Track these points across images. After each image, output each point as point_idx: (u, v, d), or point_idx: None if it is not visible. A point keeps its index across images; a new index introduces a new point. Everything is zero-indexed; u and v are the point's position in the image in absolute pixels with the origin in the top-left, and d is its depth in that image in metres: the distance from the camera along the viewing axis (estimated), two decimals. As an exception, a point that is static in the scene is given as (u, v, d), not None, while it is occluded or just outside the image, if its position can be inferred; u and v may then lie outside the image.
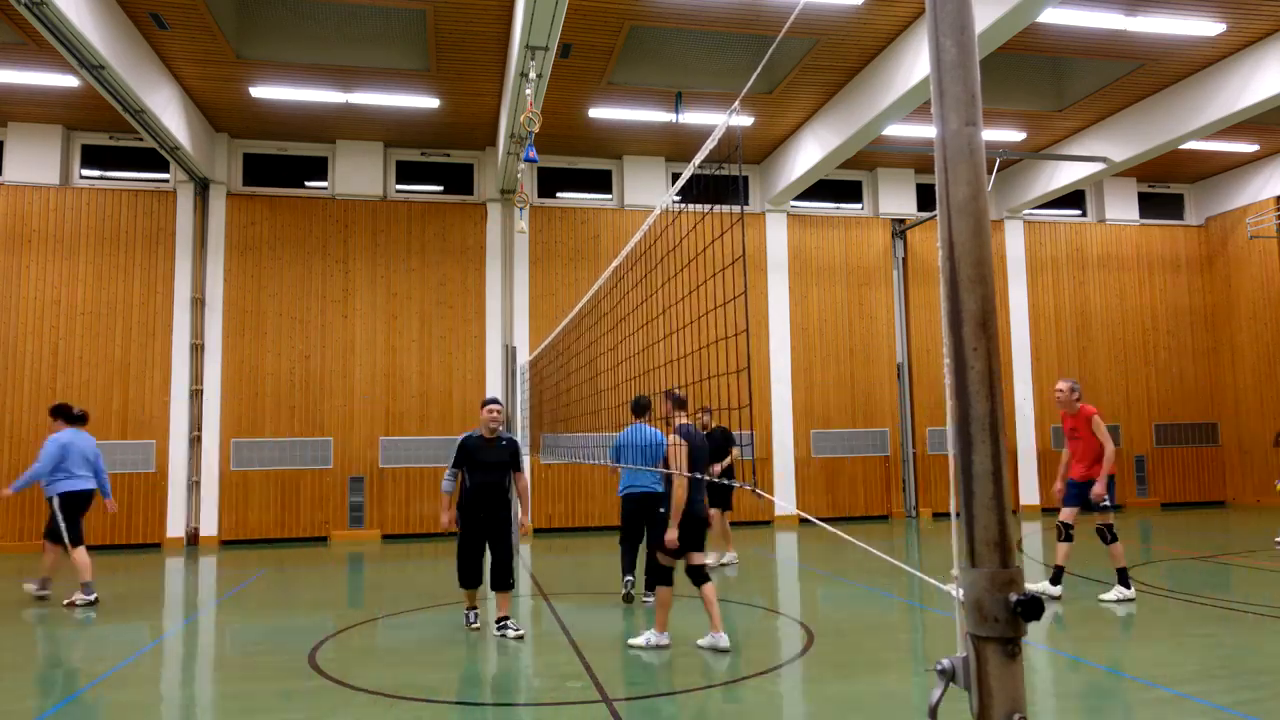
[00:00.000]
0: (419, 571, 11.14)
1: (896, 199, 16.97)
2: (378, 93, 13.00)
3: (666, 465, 6.89)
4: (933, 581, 2.23)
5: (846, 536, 3.08)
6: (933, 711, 1.61)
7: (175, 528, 13.90)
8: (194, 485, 14.11)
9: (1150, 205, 18.41)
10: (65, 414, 9.19)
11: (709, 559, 10.17)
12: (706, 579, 6.59)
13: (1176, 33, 11.42)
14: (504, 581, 7.22)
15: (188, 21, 10.95)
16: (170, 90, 12.36)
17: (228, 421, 14.27)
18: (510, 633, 7.13)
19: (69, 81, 12.18)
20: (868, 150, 14.66)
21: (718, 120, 5.53)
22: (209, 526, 14.03)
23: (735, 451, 10.66)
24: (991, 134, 14.82)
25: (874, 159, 16.44)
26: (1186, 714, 4.98)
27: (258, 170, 15.07)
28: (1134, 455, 17.49)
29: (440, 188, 15.67)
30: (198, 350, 14.31)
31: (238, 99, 13.27)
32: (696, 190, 5.37)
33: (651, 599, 8.07)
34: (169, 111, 12.24)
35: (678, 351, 5.80)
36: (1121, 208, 18.03)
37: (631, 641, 6.78)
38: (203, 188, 14.60)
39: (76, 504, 8.99)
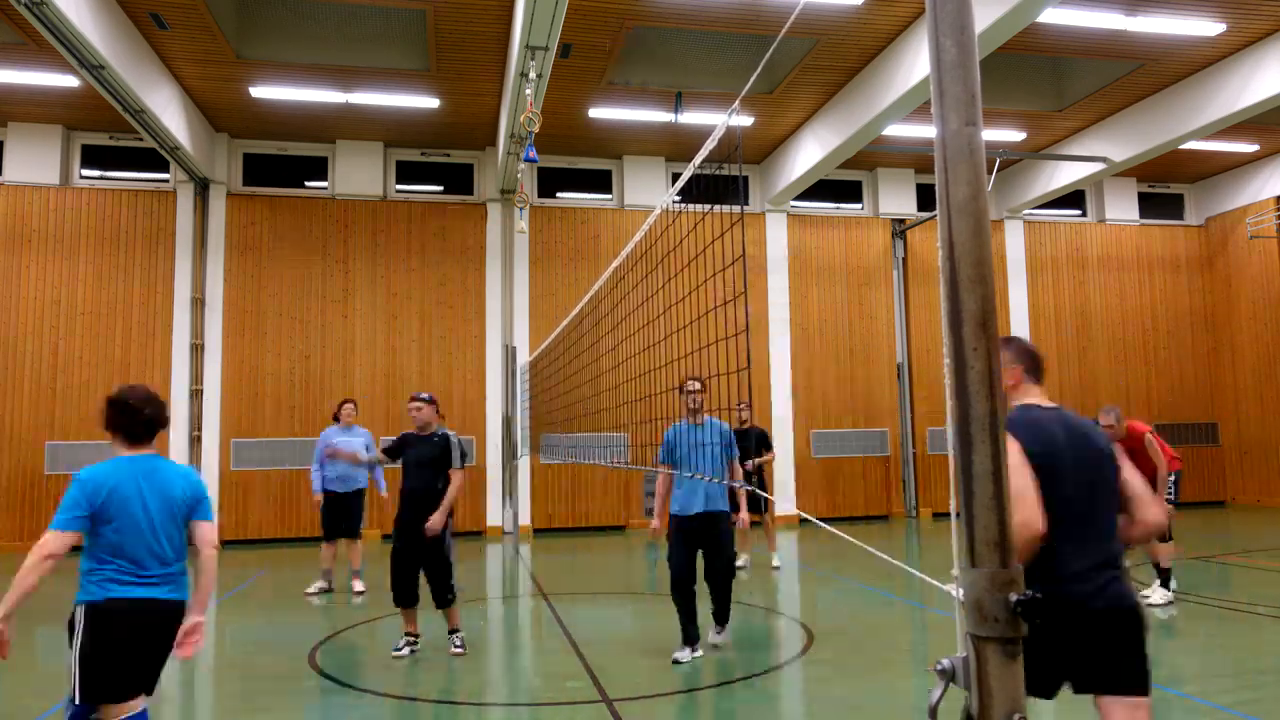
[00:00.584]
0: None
1: (896, 199, 16.98)
2: (378, 93, 13.00)
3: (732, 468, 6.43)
4: (933, 581, 2.23)
5: (847, 536, 3.08)
6: (933, 711, 1.61)
7: (175, 528, 13.88)
8: (194, 485, 14.09)
9: (1150, 205, 18.41)
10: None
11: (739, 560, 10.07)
12: None
13: (1176, 33, 11.41)
14: (442, 598, 6.46)
15: (188, 21, 10.95)
16: (170, 90, 12.36)
17: (228, 421, 14.27)
18: (454, 649, 6.51)
19: (69, 81, 12.18)
20: (868, 150, 14.65)
21: (718, 120, 5.54)
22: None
23: (769, 455, 10.68)
24: (991, 134, 14.82)
25: (874, 159, 16.44)
26: (1186, 714, 4.98)
27: (258, 170, 15.07)
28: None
29: (440, 188, 15.67)
30: (198, 350, 14.31)
31: (238, 99, 13.27)
32: (696, 190, 5.38)
33: (720, 635, 6.69)
34: (169, 111, 12.24)
35: (678, 351, 5.81)
36: (1121, 208, 18.03)
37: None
38: (203, 188, 14.60)
39: None
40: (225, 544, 14.05)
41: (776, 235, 16.35)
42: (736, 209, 4.35)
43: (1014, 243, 17.39)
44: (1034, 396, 3.01)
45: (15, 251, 13.87)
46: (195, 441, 14.14)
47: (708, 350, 5.16)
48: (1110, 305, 17.77)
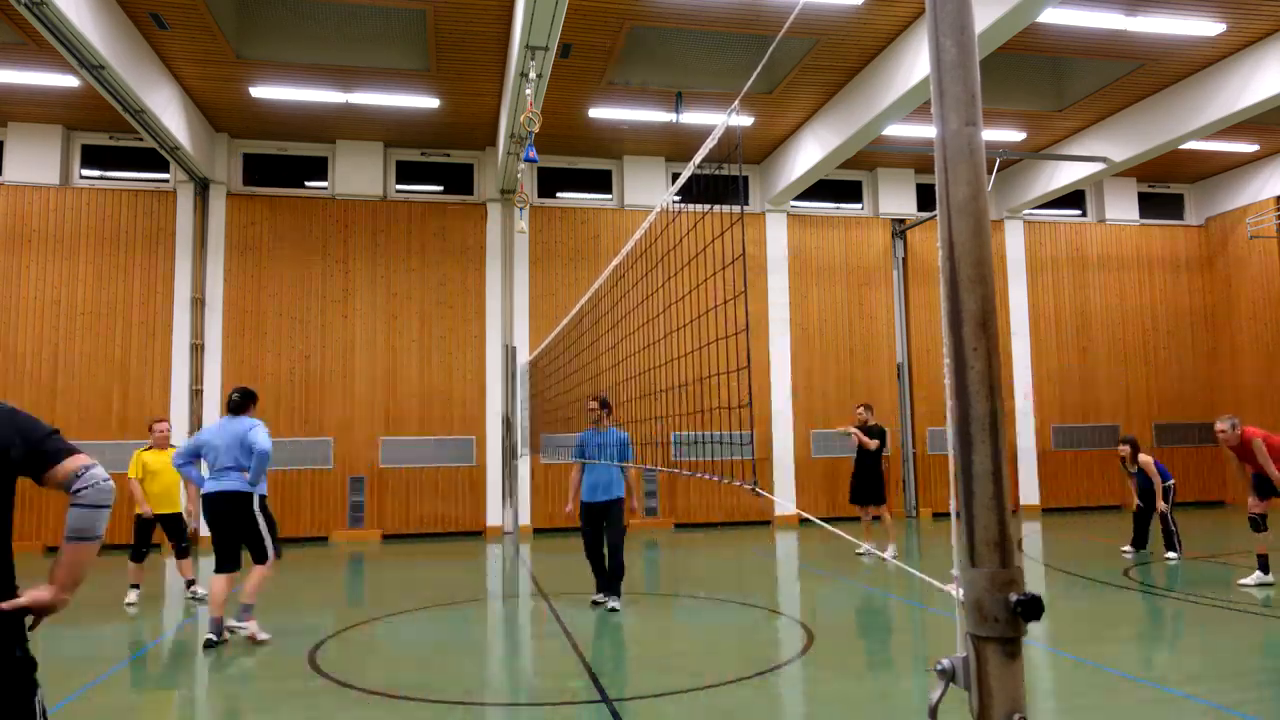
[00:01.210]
0: (419, 571, 11.14)
1: (896, 199, 16.98)
2: (378, 93, 13.00)
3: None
4: (933, 581, 2.23)
5: (847, 536, 3.08)
6: (933, 711, 1.61)
7: (175, 528, 13.89)
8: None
9: (1150, 205, 18.41)
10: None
11: (887, 552, 10.74)
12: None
13: (1176, 33, 11.41)
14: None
15: (188, 21, 10.95)
16: (170, 90, 12.36)
17: (228, 421, 14.25)
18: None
19: (69, 81, 12.18)
20: (868, 150, 14.66)
21: (718, 120, 5.53)
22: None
23: (885, 454, 11.55)
24: (991, 134, 14.82)
25: (874, 159, 16.44)
26: (1186, 714, 4.99)
27: (258, 170, 15.07)
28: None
29: (440, 188, 15.67)
30: (198, 350, 14.31)
31: (238, 99, 13.27)
32: (696, 190, 5.38)
33: (613, 601, 8.07)
34: (169, 111, 12.24)
35: (677, 351, 5.81)
36: (1121, 208, 18.03)
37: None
38: (203, 188, 14.60)
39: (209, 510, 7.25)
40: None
41: (776, 235, 16.35)
42: (736, 209, 4.35)
43: (1014, 243, 17.39)
44: None
45: (15, 251, 13.88)
46: (195, 441, 14.12)
47: (707, 350, 5.16)
48: (1110, 305, 17.77)
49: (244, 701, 5.62)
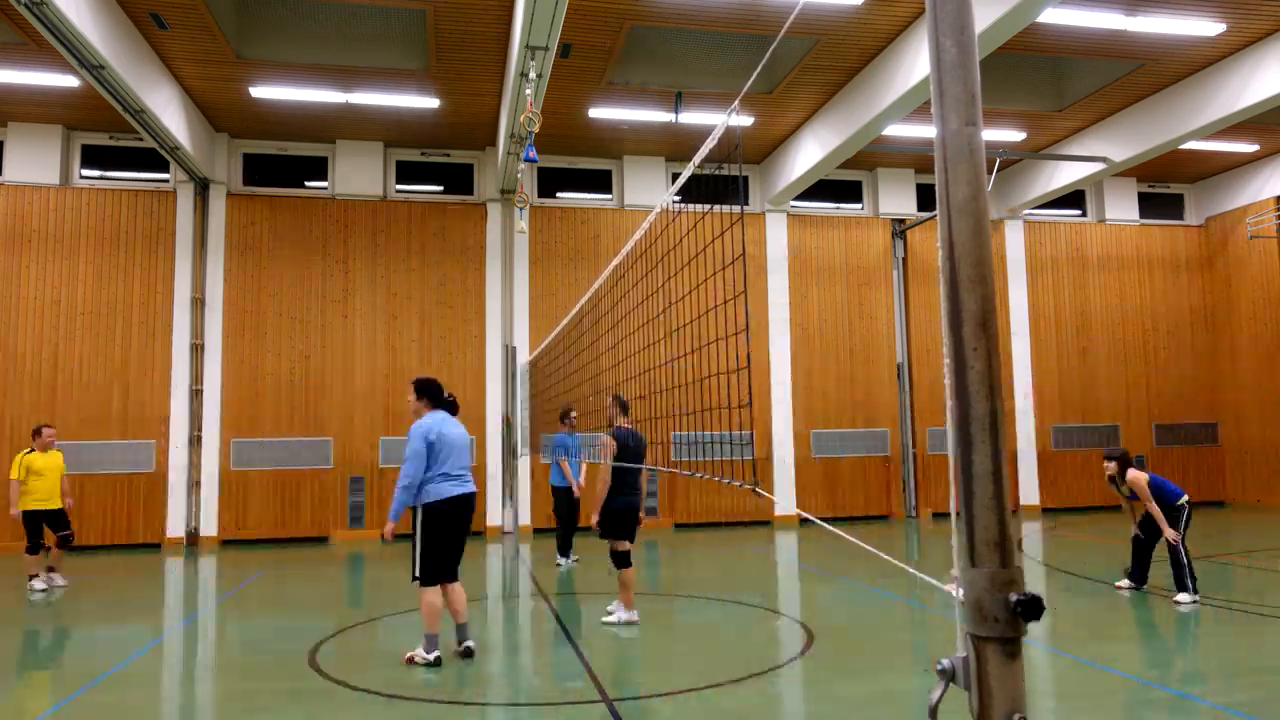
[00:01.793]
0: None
1: (896, 199, 16.98)
2: (378, 93, 13.00)
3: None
4: (933, 581, 2.23)
5: (847, 536, 3.08)
6: (933, 711, 1.61)
7: (175, 528, 13.90)
8: (194, 485, 14.11)
9: (1150, 205, 18.41)
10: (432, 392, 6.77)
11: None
12: (628, 565, 7.55)
13: (1176, 33, 11.42)
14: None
15: (188, 21, 10.95)
16: (170, 90, 12.36)
17: (228, 421, 14.27)
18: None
19: (69, 81, 12.18)
20: (868, 150, 14.66)
21: (718, 120, 5.54)
22: (209, 526, 14.03)
23: None
24: (991, 134, 14.82)
25: (874, 159, 16.44)
26: (1186, 714, 4.99)
27: (258, 170, 15.07)
28: (1134, 455, 17.48)
29: (440, 188, 15.67)
30: (198, 350, 14.31)
31: (238, 99, 13.27)
32: (696, 190, 5.37)
33: (565, 561, 10.79)
34: (169, 111, 12.24)
35: (677, 351, 5.81)
36: (1121, 208, 18.03)
37: (604, 619, 7.50)
38: (203, 188, 14.60)
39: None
40: (225, 544, 14.05)
41: (776, 235, 16.35)
42: (736, 209, 4.35)
43: (1014, 243, 17.39)
44: None
45: (15, 251, 13.88)
46: (195, 441, 14.14)
47: (707, 350, 5.16)
48: (1110, 305, 17.77)
49: (244, 701, 5.62)
